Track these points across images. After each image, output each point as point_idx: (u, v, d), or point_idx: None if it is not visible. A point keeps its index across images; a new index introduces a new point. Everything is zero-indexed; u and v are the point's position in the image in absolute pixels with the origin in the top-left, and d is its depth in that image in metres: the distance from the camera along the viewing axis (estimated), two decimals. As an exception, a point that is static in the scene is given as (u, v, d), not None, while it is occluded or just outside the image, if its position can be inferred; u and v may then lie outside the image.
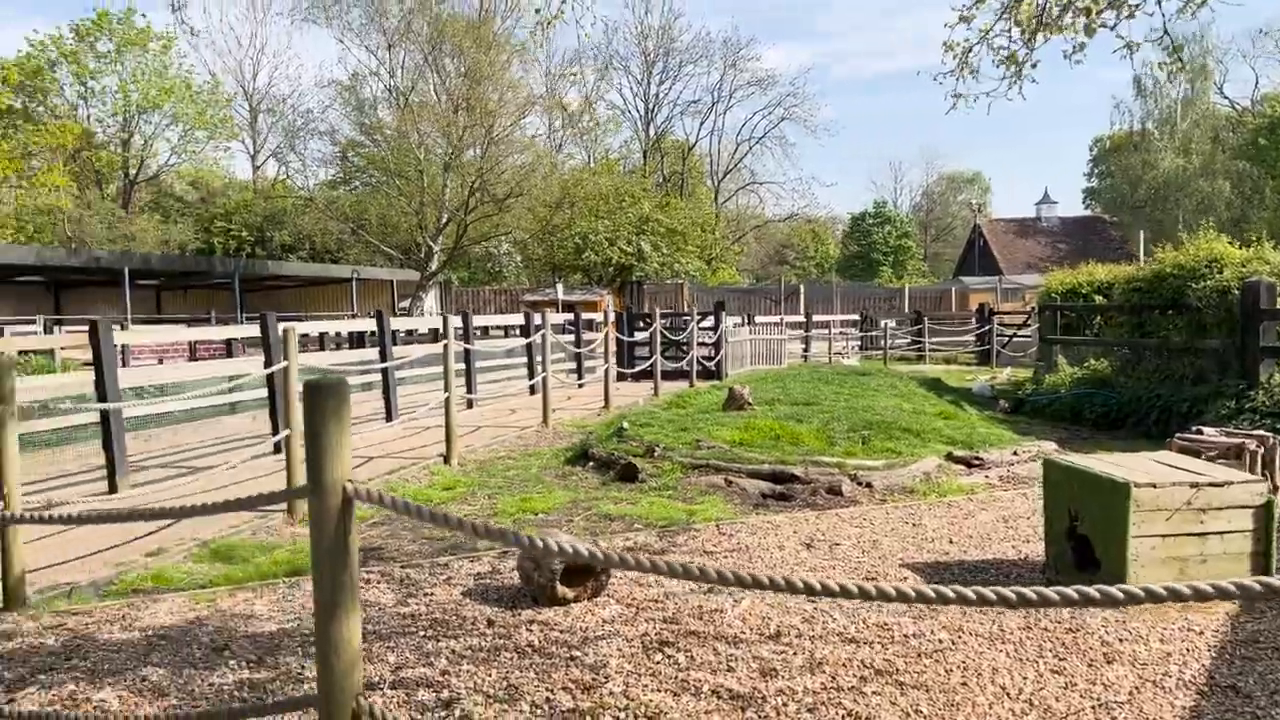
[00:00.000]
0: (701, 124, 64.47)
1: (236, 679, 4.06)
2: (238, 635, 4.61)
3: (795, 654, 4.24)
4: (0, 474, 5.02)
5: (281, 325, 7.74)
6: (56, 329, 25.38)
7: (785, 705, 3.71)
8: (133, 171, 48.65)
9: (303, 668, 4.15)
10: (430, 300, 39.95)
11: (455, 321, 12.11)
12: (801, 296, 41.73)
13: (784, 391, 12.96)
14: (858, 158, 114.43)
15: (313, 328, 13.49)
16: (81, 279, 34.65)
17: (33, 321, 28.21)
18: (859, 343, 31.21)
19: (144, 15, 40.17)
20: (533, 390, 15.80)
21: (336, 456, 2.21)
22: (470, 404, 14.46)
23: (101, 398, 8.13)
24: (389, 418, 12.42)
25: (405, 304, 39.57)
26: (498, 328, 26.78)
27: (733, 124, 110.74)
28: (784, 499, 7.67)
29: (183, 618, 4.94)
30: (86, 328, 8.42)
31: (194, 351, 25.28)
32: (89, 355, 17.38)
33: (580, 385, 18.21)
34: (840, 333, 31.16)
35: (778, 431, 9.31)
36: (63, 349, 15.70)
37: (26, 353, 15.53)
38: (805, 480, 7.91)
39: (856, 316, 35.31)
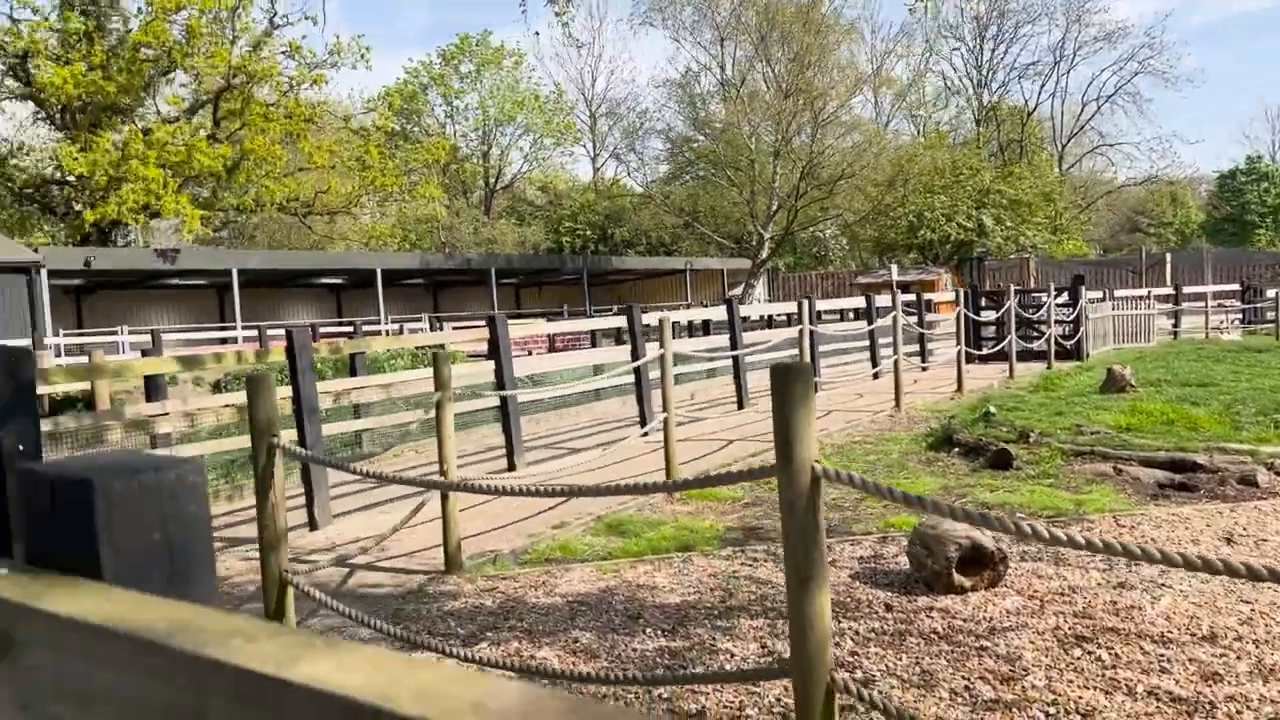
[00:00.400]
0: (1041, 86, 60.41)
1: (656, 646, 4.35)
2: (648, 605, 4.94)
3: (1238, 658, 3.85)
4: (441, 450, 5.72)
5: (656, 315, 8.18)
6: (440, 325, 28.37)
7: (1240, 714, 3.38)
8: (492, 180, 53.52)
9: (714, 640, 4.37)
10: (760, 288, 40.49)
11: (796, 306, 12.18)
12: (1167, 266, 37.76)
13: (1169, 371, 11.80)
14: (1225, 109, 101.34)
15: (661, 317, 14.07)
16: (454, 279, 38.70)
17: (419, 319, 31.92)
18: (1240, 315, 27.70)
19: (538, 32, 44.57)
20: (876, 375, 15.54)
21: (804, 437, 2.30)
22: (815, 388, 14.48)
23: (500, 385, 9.01)
24: (740, 404, 12.72)
25: (735, 292, 40.41)
26: (831, 312, 26.60)
27: (1077, 83, 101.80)
28: (1185, 489, 6.99)
29: (594, 586, 5.37)
30: (481, 322, 9.38)
31: (552, 343, 27.35)
32: (472, 349, 19.33)
33: (924, 369, 17.65)
34: (1217, 305, 27.83)
35: (1170, 415, 8.50)
36: (451, 343, 17.53)
37: (421, 347, 17.59)
38: (1211, 469, 7.16)
39: (1235, 286, 31.34)
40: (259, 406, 3.57)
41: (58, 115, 28.75)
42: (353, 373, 10.26)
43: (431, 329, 27.24)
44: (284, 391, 9.35)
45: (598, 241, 47.04)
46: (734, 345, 12.68)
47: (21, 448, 5.06)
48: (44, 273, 22.63)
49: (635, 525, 6.85)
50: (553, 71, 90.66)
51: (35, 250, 24.08)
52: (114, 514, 0.79)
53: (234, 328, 27.50)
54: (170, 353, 18.89)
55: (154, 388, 8.57)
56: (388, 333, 27.86)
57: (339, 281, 35.87)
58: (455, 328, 23.05)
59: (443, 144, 40.01)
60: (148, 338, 23.94)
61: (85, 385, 11.97)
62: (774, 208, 36.27)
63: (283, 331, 24.13)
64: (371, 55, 31.25)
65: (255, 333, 25.25)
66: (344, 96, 45.31)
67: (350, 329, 25.70)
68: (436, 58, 48.59)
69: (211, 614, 0.67)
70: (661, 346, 7.60)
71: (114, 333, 24.88)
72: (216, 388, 14.38)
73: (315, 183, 31.04)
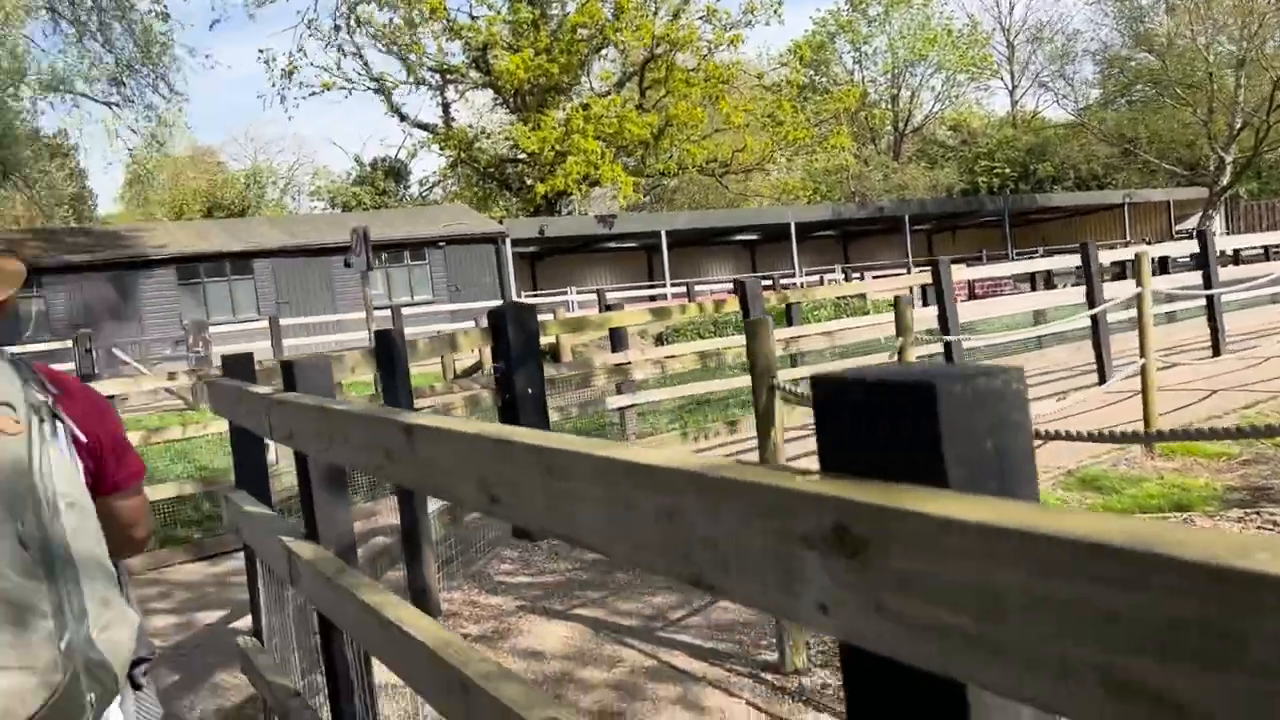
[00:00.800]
0: None
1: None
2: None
3: None
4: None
5: (1132, 250, 7.41)
6: (860, 275, 28.05)
7: None
8: (901, 124, 51.99)
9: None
10: (1218, 220, 35.52)
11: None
12: None
13: None
14: None
15: (1138, 252, 12.75)
16: (864, 229, 38.22)
17: (831, 270, 31.96)
18: None
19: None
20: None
21: None
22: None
23: (943, 331, 8.71)
24: (1216, 350, 11.25)
25: (1185, 225, 35.83)
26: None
27: None
28: None
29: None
30: (901, 270, 9.10)
31: (971, 289, 26.06)
32: (892, 298, 18.94)
33: None
34: None
35: None
36: (871, 292, 17.33)
37: (842, 297, 17.57)
38: None
39: None
40: (759, 350, 3.69)
41: (511, 99, 32.31)
42: (789, 322, 10.44)
43: (846, 279, 27.12)
44: (721, 342, 9.76)
45: (1017, 179, 43.99)
46: (1208, 283, 11.20)
47: (530, 390, 5.65)
48: (508, 241, 25.67)
49: (1112, 481, 6.30)
50: (965, 2, 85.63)
51: (500, 222, 27.42)
52: (955, 419, 0.76)
53: (662, 285, 29.32)
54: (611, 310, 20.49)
55: (618, 339, 9.32)
56: (802, 285, 28.19)
57: (753, 237, 36.89)
58: (874, 277, 22.76)
59: (852, 92, 39.49)
60: (592, 296, 26.32)
61: (550, 339, 13.32)
62: (1237, 126, 31.52)
63: (707, 288, 25.17)
64: (783, 10, 31.45)
65: (683, 289, 26.72)
66: (752, 55, 46.20)
67: (768, 282, 26.37)
68: (844, 4, 47.91)
69: (1153, 523, 0.61)
70: (1139, 285, 6.87)
71: (564, 293, 27.66)
72: (659, 340, 15.42)
73: (732, 142, 32.04)
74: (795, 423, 8.14)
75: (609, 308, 11.80)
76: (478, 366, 14.00)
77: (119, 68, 25.15)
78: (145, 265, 22.46)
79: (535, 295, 29.01)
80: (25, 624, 1.41)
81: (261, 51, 31.09)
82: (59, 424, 1.60)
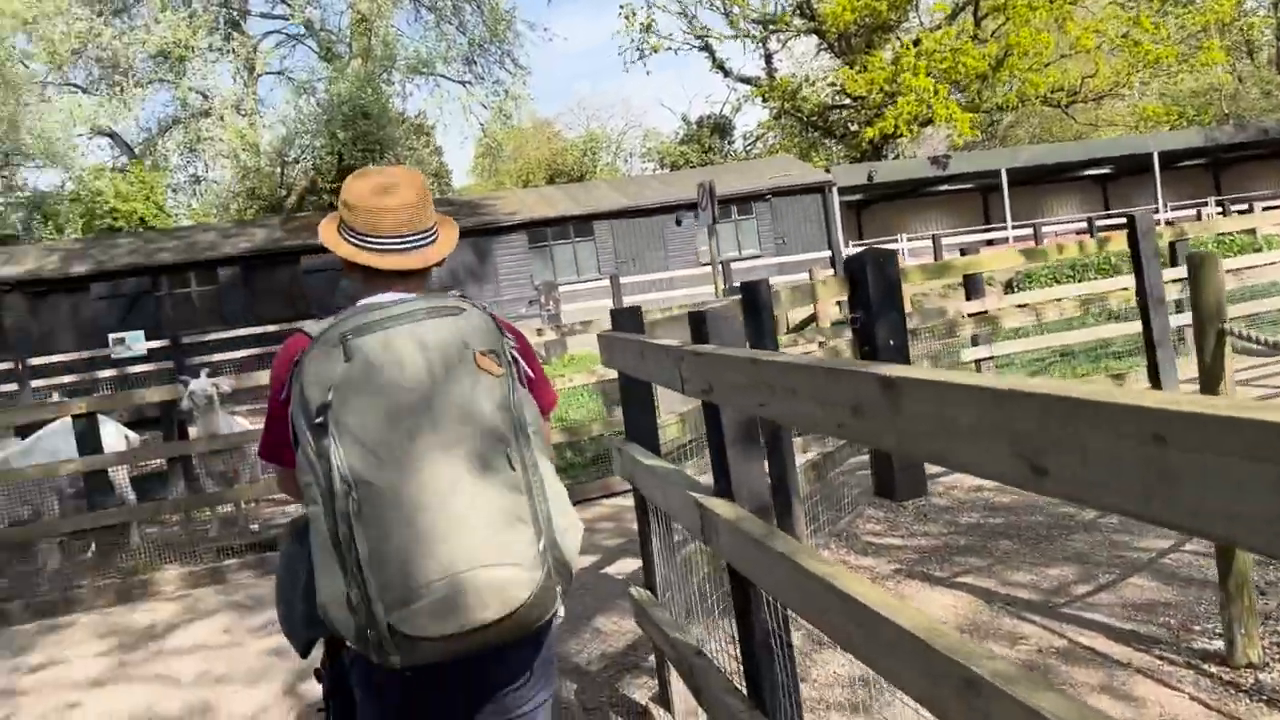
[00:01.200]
0: None
1: None
2: None
3: None
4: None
5: None
6: (1251, 207, 24.62)
7: None
8: (1289, 33, 44.83)
9: None
10: None
11: None
12: None
13: None
14: None
15: None
16: (1241, 155, 33.48)
17: (1203, 204, 28.33)
18: None
19: None
20: None
21: None
22: None
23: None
24: None
25: None
26: None
27: None
28: None
29: None
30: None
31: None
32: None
33: None
34: None
35: None
36: (1264, 227, 15.13)
37: (1226, 234, 15.44)
38: None
39: None
40: (1206, 289, 3.14)
41: (835, 43, 31.36)
42: (1172, 263, 9.23)
43: (1224, 213, 23.90)
44: (1085, 287, 8.84)
45: None
46: None
47: (892, 342, 5.18)
48: (834, 190, 25.05)
49: None
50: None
51: (827, 171, 26.82)
52: None
53: (1001, 228, 27.39)
54: (945, 256, 19.41)
55: (973, 285, 8.69)
56: (1169, 222, 25.20)
57: (1104, 171, 33.47)
58: (1264, 209, 19.81)
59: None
60: (923, 243, 25.11)
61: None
62: None
63: (1052, 228, 23.27)
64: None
65: (1024, 231, 24.78)
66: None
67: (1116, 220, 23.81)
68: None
69: None
70: None
71: (893, 240, 26.63)
72: (1008, 287, 14.35)
73: (1080, 68, 29.10)
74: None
75: (964, 252, 11.05)
76: (812, 319, 13.75)
77: (471, 48, 27.21)
78: (499, 231, 24.19)
79: (861, 244, 28.16)
80: (515, 530, 1.72)
81: (622, 7, 33.18)
82: (519, 364, 1.89)
